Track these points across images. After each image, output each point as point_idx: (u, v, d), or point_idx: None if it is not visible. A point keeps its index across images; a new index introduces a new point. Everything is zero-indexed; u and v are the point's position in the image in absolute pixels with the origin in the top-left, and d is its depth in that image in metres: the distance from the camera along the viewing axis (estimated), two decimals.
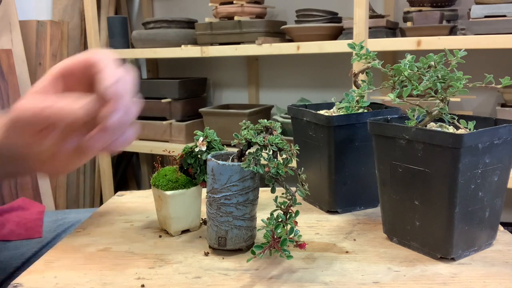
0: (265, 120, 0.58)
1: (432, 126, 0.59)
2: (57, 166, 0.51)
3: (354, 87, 0.74)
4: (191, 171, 0.65)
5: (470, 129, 0.57)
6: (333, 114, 0.73)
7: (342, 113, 0.72)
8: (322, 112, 0.75)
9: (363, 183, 0.72)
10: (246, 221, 0.58)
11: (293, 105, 0.77)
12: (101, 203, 2.13)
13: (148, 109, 1.88)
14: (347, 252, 0.59)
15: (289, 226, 0.52)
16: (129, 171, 2.42)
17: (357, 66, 0.71)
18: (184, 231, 0.67)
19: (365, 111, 0.72)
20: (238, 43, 1.69)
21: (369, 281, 0.52)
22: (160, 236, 0.66)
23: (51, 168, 0.52)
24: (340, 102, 0.74)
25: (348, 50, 0.70)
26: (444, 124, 0.60)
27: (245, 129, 0.58)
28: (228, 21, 1.71)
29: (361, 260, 0.57)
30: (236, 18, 1.69)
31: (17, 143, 0.48)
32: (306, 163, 0.72)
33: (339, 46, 1.46)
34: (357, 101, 0.73)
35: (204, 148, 0.63)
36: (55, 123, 0.44)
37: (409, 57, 0.58)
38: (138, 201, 0.81)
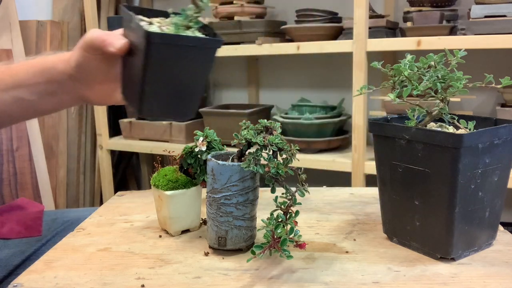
0: (265, 120, 0.58)
1: (432, 126, 0.59)
2: (103, 95, 0.69)
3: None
4: (191, 171, 0.65)
5: (470, 129, 0.57)
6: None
7: (172, 28, 0.57)
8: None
9: None
10: (246, 221, 0.58)
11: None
12: (101, 203, 2.13)
13: None
14: (347, 252, 0.59)
15: (289, 226, 0.52)
16: (129, 171, 2.42)
17: None
18: (184, 231, 0.67)
19: (195, 30, 0.57)
20: (238, 43, 1.69)
21: (369, 281, 0.52)
22: (160, 236, 0.66)
23: (98, 95, 0.69)
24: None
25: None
26: (444, 124, 0.60)
27: (245, 129, 0.58)
28: (228, 21, 1.71)
29: (361, 260, 0.57)
30: (236, 18, 1.69)
31: (90, 65, 0.65)
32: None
33: (339, 46, 1.46)
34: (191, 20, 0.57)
35: (204, 148, 0.63)
36: (107, 48, 0.61)
37: (409, 57, 0.58)
38: (138, 201, 0.81)
